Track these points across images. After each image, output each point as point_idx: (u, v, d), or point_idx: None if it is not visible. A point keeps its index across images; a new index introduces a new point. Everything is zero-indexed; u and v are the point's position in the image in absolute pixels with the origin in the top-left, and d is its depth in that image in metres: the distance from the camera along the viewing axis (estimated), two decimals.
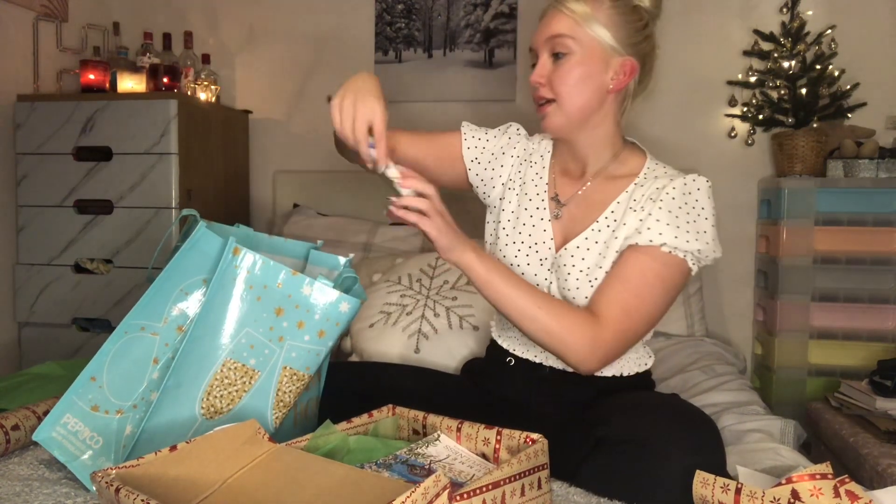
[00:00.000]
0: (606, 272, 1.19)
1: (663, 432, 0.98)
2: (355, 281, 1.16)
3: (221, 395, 1.03)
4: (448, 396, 1.32)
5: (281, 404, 1.05)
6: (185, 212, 1.12)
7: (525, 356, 1.30)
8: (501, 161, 1.36)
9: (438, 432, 1.01)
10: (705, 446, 0.99)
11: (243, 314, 1.03)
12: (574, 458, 1.06)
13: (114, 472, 0.83)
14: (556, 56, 1.21)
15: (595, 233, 1.23)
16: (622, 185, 1.25)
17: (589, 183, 1.28)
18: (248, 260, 1.03)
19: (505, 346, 1.34)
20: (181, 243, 1.08)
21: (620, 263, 1.17)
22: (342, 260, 1.22)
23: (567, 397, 1.26)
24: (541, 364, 1.28)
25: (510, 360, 1.32)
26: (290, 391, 1.05)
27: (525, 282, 1.15)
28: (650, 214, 1.17)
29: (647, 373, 1.32)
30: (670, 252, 1.15)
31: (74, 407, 1.06)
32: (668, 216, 1.16)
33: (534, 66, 1.25)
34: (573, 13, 1.19)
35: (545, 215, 1.29)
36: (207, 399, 1.03)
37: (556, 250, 1.26)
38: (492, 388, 1.34)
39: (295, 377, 1.05)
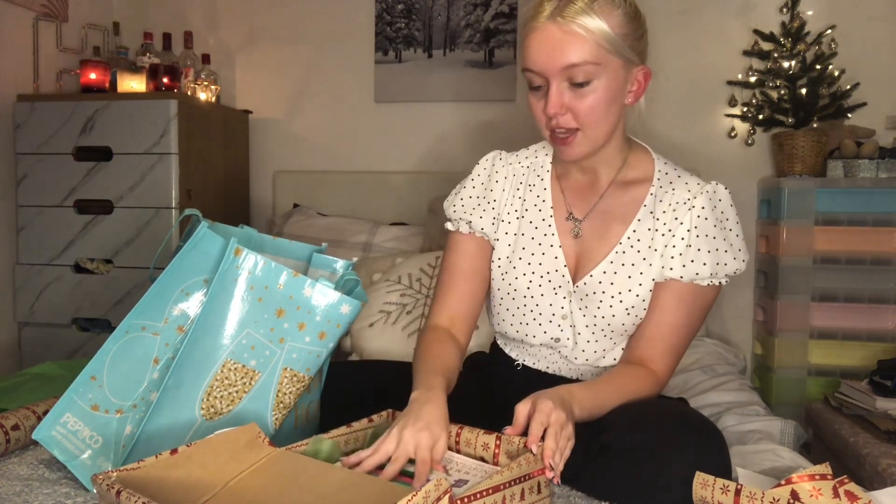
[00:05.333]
0: (644, 300, 1.17)
1: (668, 439, 0.97)
2: (357, 283, 1.16)
3: (222, 396, 1.03)
4: (451, 395, 1.31)
5: (281, 405, 1.05)
6: (188, 212, 1.12)
7: (536, 367, 1.27)
8: (494, 196, 1.27)
9: None
10: (710, 453, 0.98)
11: (244, 315, 1.03)
12: (577, 462, 1.05)
13: (114, 474, 0.83)
14: (577, 84, 1.07)
15: (620, 255, 1.18)
16: (638, 195, 1.20)
17: (604, 194, 1.22)
18: (249, 261, 1.03)
19: (513, 356, 1.31)
20: (183, 243, 1.08)
21: (666, 309, 1.16)
22: (344, 263, 1.22)
23: None
24: (546, 371, 1.26)
25: (518, 365, 1.30)
26: (291, 392, 1.05)
27: (603, 390, 1.10)
28: (689, 245, 1.15)
29: None
30: (709, 284, 1.15)
31: (74, 406, 1.06)
32: (707, 241, 1.14)
33: (536, 88, 1.12)
34: (589, 31, 1.04)
35: (555, 241, 1.22)
36: (207, 400, 1.03)
37: (573, 274, 1.21)
38: (496, 388, 1.33)
39: (295, 378, 1.05)
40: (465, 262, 1.27)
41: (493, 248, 1.26)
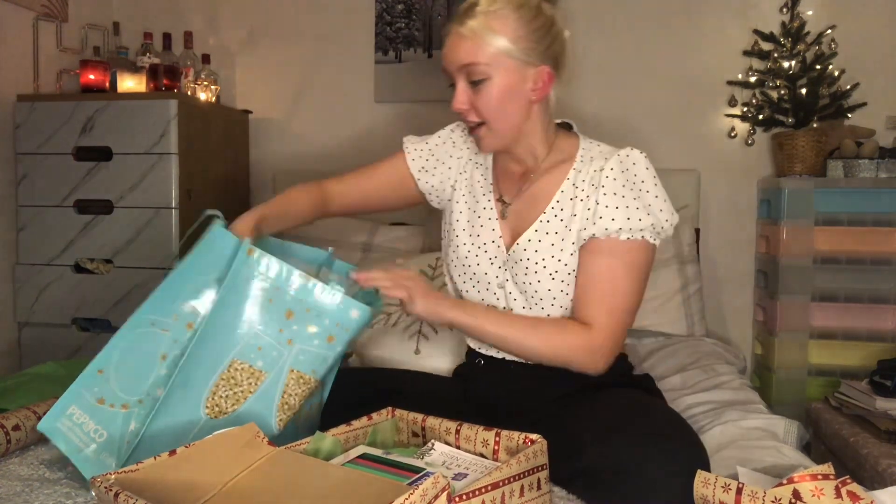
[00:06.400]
0: (566, 264, 1.22)
1: (639, 457, 0.96)
2: (378, 299, 1.16)
3: (227, 396, 1.03)
4: (442, 401, 1.32)
5: (286, 406, 1.05)
6: (209, 212, 1.12)
7: (489, 353, 1.32)
8: (449, 164, 1.40)
9: (432, 441, 1.01)
10: (684, 458, 0.97)
11: (253, 316, 1.03)
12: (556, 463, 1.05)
13: (113, 476, 0.83)
14: (474, 82, 1.20)
15: (544, 224, 1.25)
16: (562, 174, 1.27)
17: (531, 181, 1.30)
18: (262, 262, 1.03)
19: (473, 346, 1.37)
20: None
21: (588, 264, 1.21)
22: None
23: (539, 393, 1.27)
24: (503, 359, 1.30)
25: (479, 361, 1.35)
26: (297, 394, 1.05)
27: (513, 316, 1.19)
28: (597, 203, 1.20)
29: (619, 357, 1.28)
30: (629, 238, 1.18)
31: (81, 399, 1.06)
32: (615, 199, 1.18)
33: (451, 85, 1.24)
34: (480, 38, 1.17)
35: (492, 215, 1.32)
36: (213, 399, 1.03)
37: (507, 248, 1.29)
38: (470, 390, 1.36)
39: (302, 380, 1.05)
40: (381, 173, 1.43)
41: (448, 212, 1.39)
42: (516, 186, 1.32)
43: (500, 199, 1.33)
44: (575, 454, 1.03)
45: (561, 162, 1.28)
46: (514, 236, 1.29)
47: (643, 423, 1.03)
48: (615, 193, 1.18)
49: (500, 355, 1.30)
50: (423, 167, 1.41)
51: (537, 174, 1.29)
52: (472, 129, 1.26)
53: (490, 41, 1.17)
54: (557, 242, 1.23)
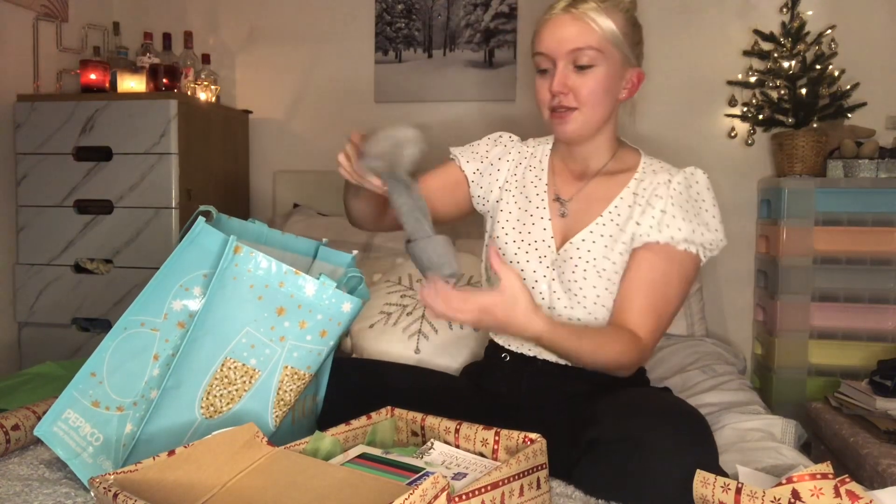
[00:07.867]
0: (614, 262, 1.24)
1: (654, 431, 0.99)
2: (360, 281, 1.16)
3: (221, 395, 1.03)
4: (448, 398, 1.32)
5: (281, 403, 1.05)
6: (203, 208, 1.12)
7: (519, 350, 1.32)
8: (498, 166, 1.40)
9: (432, 440, 1.01)
10: (696, 444, 1.00)
11: (244, 314, 1.03)
12: (567, 458, 1.06)
13: (112, 477, 0.82)
14: (580, 67, 1.20)
15: (600, 227, 1.26)
16: (623, 181, 1.29)
17: (590, 181, 1.31)
18: (249, 259, 1.02)
19: (500, 342, 1.36)
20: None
21: (642, 267, 1.22)
22: (349, 257, 1.23)
23: (559, 390, 1.28)
24: (534, 357, 1.30)
25: (505, 356, 1.34)
26: (291, 390, 1.05)
27: (575, 331, 1.14)
28: (664, 211, 1.22)
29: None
30: (685, 249, 1.21)
31: (76, 403, 1.06)
32: (680, 211, 1.21)
33: (542, 71, 1.24)
34: (594, 22, 1.20)
35: (545, 214, 1.32)
36: (207, 399, 1.02)
37: (557, 247, 1.29)
38: (488, 387, 1.35)
39: (296, 376, 1.05)
40: (434, 178, 1.41)
41: (495, 212, 1.37)
42: (574, 187, 1.32)
43: (556, 199, 1.33)
44: (590, 427, 1.05)
45: (622, 171, 1.30)
46: (565, 235, 1.29)
47: (658, 407, 1.06)
48: (681, 206, 1.22)
49: (530, 352, 1.30)
50: (477, 169, 1.40)
51: (598, 177, 1.31)
52: (560, 114, 1.23)
53: (605, 25, 1.20)
54: (611, 244, 1.25)
